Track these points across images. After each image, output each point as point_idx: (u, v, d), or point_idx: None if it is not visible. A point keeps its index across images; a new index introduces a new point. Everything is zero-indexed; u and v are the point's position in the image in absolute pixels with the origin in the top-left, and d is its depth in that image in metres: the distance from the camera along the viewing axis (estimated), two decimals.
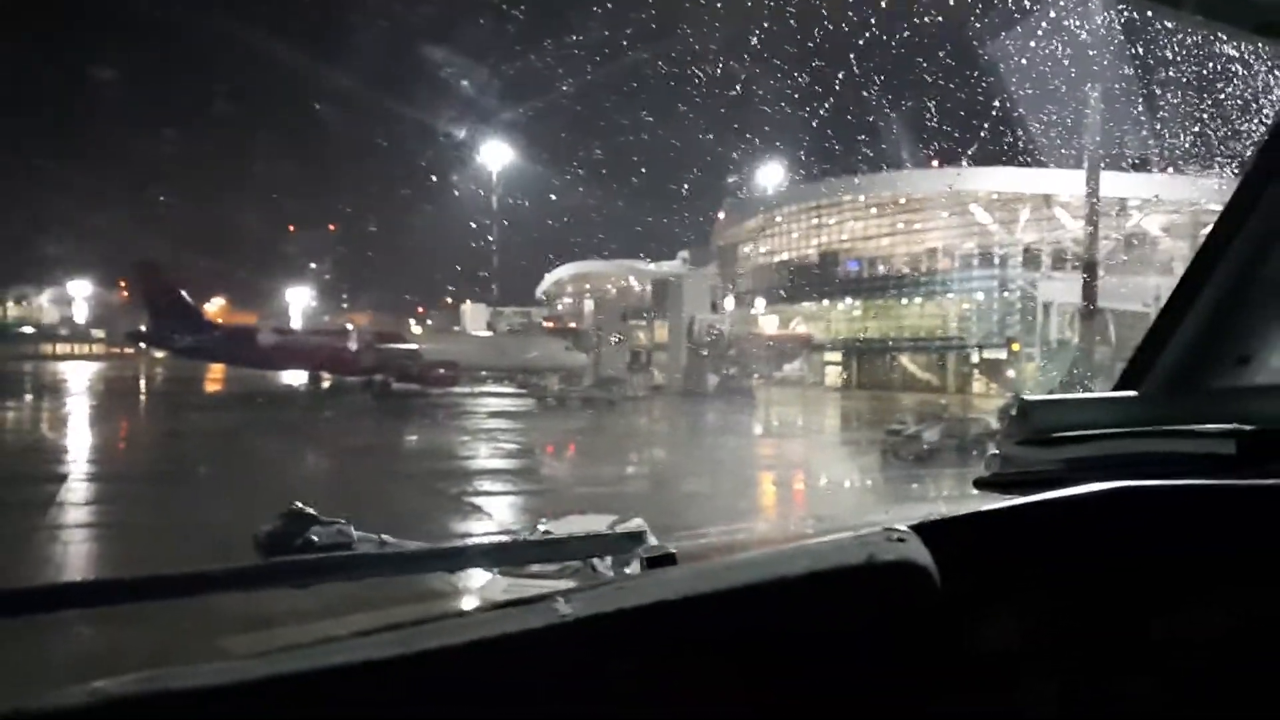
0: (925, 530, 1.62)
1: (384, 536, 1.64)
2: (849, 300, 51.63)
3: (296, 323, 57.59)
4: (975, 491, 2.11)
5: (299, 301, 62.18)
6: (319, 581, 1.56)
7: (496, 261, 55.24)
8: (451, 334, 55.24)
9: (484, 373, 47.52)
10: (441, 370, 45.01)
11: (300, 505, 1.59)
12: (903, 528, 1.62)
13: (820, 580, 1.51)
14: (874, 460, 24.57)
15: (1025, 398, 2.23)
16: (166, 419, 36.12)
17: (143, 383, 54.02)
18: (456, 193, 53.73)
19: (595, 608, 1.40)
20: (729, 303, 55.19)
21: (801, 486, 24.22)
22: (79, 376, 53.40)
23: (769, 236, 57.05)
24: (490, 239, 51.08)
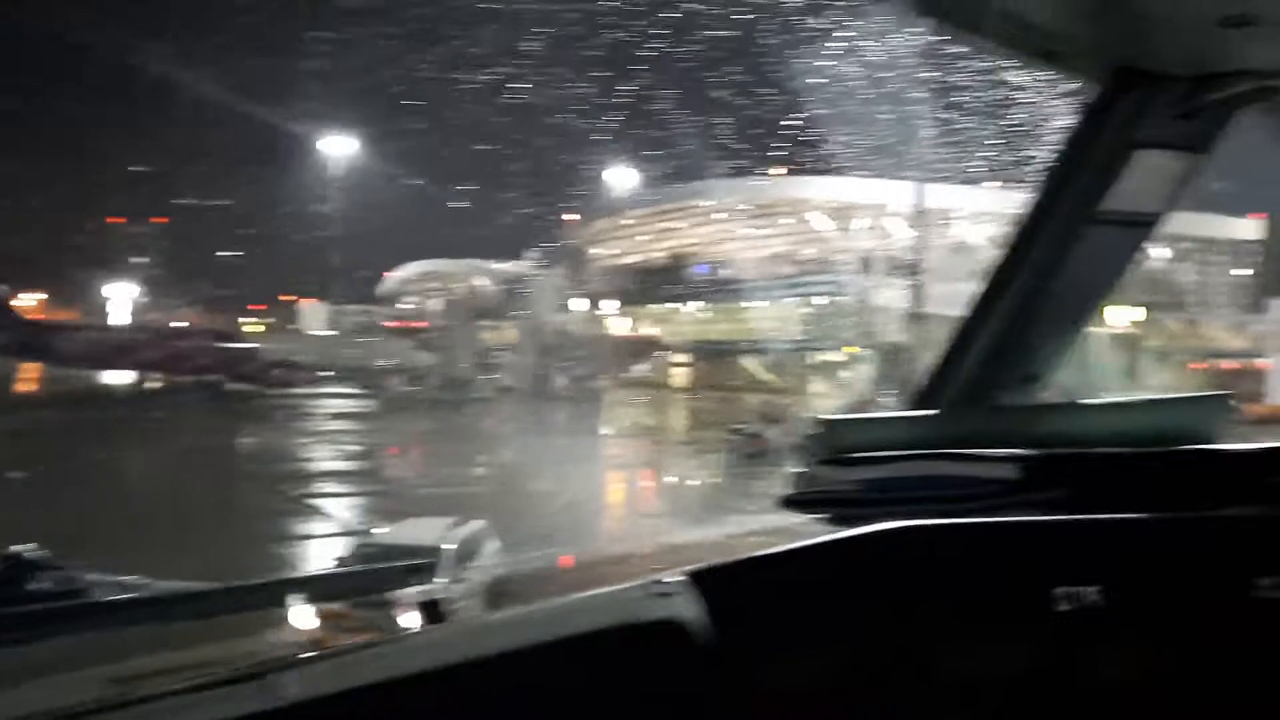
0: (699, 579, 1.58)
1: (128, 578, 1.48)
2: (696, 303, 52.54)
3: (123, 319, 54.61)
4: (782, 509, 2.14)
5: (125, 297, 59.00)
6: (42, 637, 1.39)
7: (338, 258, 53.82)
8: (289, 332, 53.41)
9: (324, 373, 46.14)
10: (279, 370, 43.47)
11: (19, 549, 1.39)
12: (672, 579, 1.58)
13: (578, 644, 1.48)
14: (717, 459, 25.13)
15: (826, 416, 2.29)
16: None
17: None
18: (296, 187, 52.00)
19: (318, 688, 1.31)
20: (579, 303, 55.36)
21: (639, 488, 24.60)
22: None
23: (619, 238, 57.48)
24: (331, 235, 49.72)
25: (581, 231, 57.26)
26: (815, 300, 46.40)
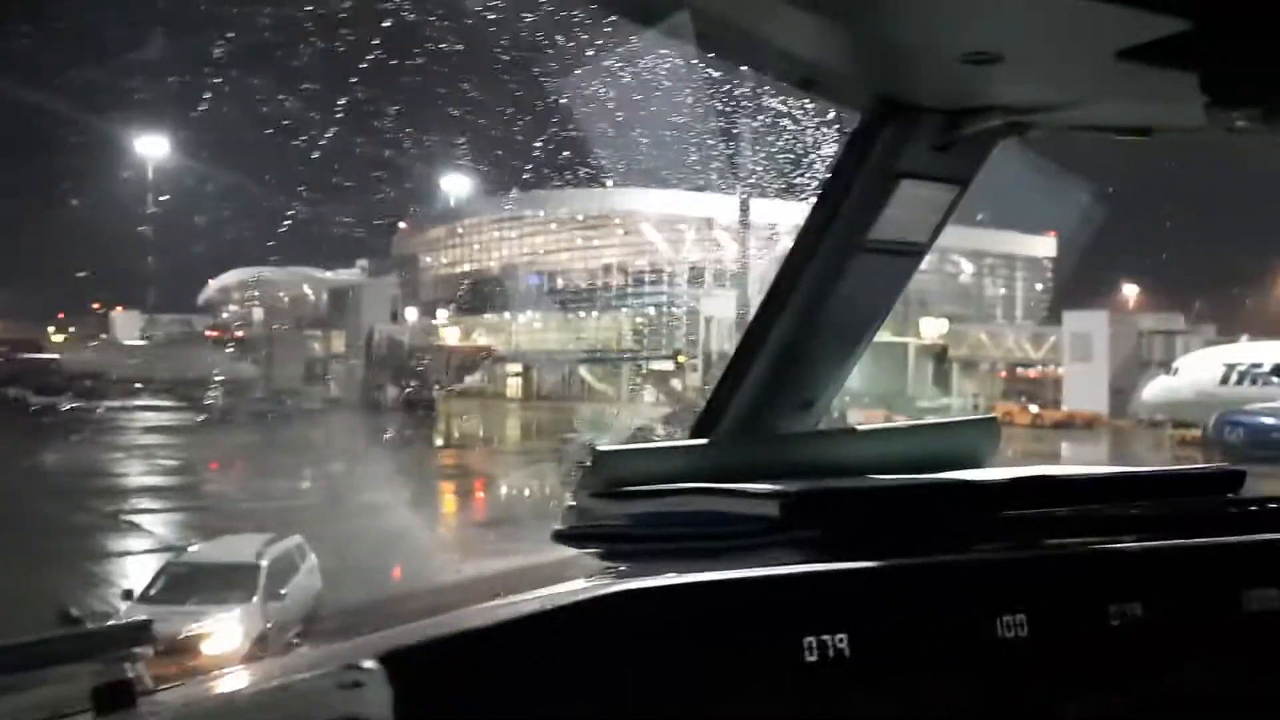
0: (395, 663, 1.47)
1: None
2: (530, 313, 52.71)
3: None
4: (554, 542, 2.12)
5: None
6: None
7: (154, 265, 51.22)
8: (99, 343, 50.67)
9: (138, 385, 43.94)
10: (87, 382, 41.18)
11: None
12: (367, 666, 1.47)
13: None
14: (549, 469, 25.44)
15: (599, 448, 2.22)
16: None
17: None
18: (110, 190, 49.23)
19: None
20: (410, 313, 54.59)
21: (462, 502, 24.68)
22: None
23: (452, 247, 57.07)
24: (147, 241, 47.29)
25: (414, 240, 56.55)
26: (646, 310, 47.38)
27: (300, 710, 1.42)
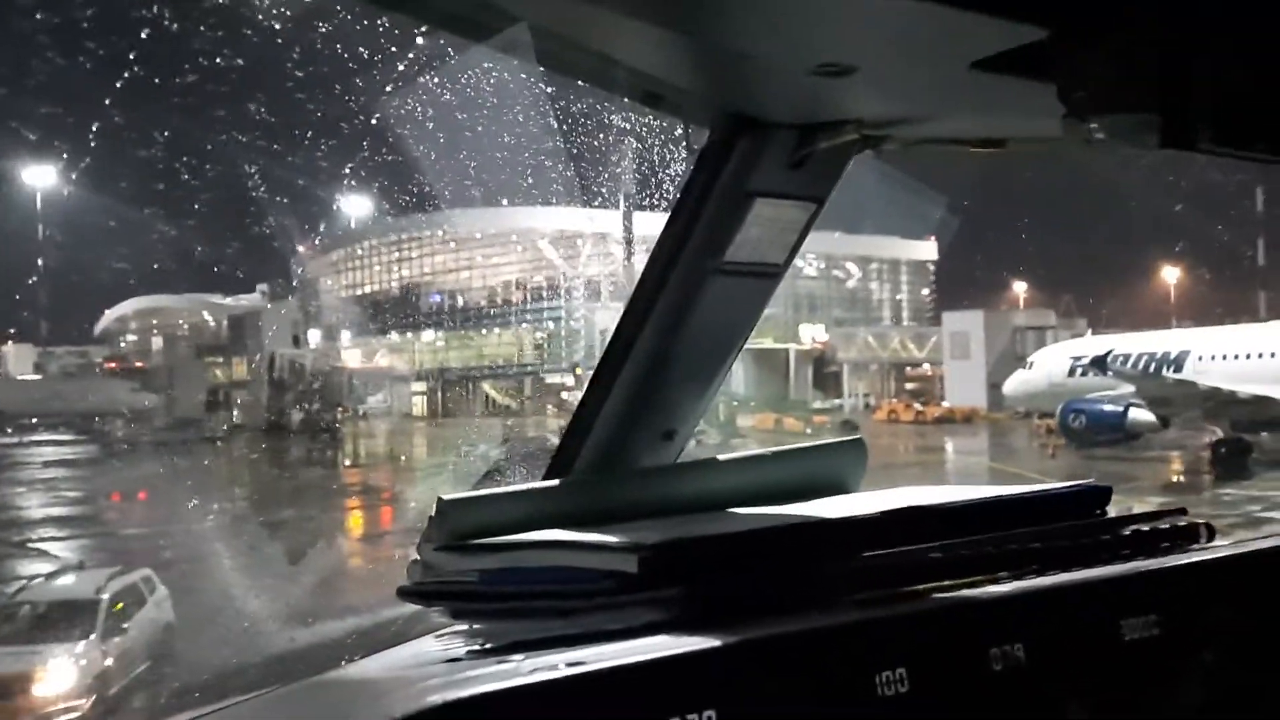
0: None
1: None
2: (432, 331, 53.34)
3: None
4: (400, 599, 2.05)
5: None
6: None
7: (46, 298, 50.58)
8: None
9: (34, 420, 43.38)
10: None
11: None
12: None
13: None
14: (447, 481, 26.37)
15: (443, 497, 2.07)
16: None
17: None
18: None
19: None
20: (313, 336, 54.70)
21: (362, 520, 25.50)
22: None
23: (352, 269, 57.36)
24: (38, 273, 46.77)
25: (314, 263, 56.64)
26: (546, 325, 48.48)
27: None
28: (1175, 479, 28.91)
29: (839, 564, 1.96)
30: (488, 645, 1.78)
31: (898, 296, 62.05)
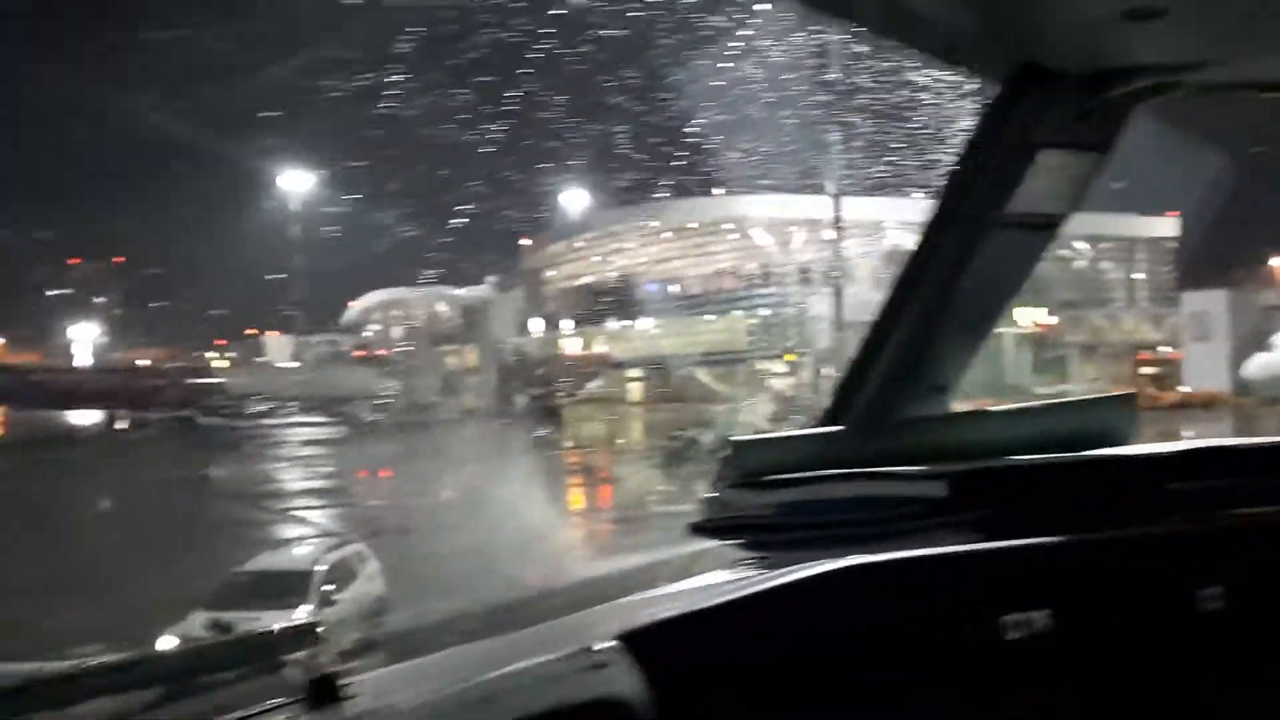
0: (634, 643, 1.48)
1: None
2: (647, 320, 54.57)
3: (85, 360, 55.83)
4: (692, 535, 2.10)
5: (87, 338, 59.99)
6: None
7: (301, 290, 55.16)
8: (256, 366, 54.84)
9: (294, 404, 47.66)
10: (249, 402, 45.09)
11: None
12: (606, 647, 1.47)
13: None
14: (660, 465, 27.31)
15: (734, 439, 2.17)
16: None
17: None
18: (257, 223, 53.41)
19: None
20: (537, 325, 57.18)
21: (586, 495, 26.73)
22: None
23: (572, 261, 59.32)
24: (293, 268, 51.08)
25: (536, 255, 59.13)
26: (759, 312, 48.69)
27: (552, 694, 1.40)
28: None
29: (1139, 493, 1.98)
30: None
31: (1132, 276, 58.21)
